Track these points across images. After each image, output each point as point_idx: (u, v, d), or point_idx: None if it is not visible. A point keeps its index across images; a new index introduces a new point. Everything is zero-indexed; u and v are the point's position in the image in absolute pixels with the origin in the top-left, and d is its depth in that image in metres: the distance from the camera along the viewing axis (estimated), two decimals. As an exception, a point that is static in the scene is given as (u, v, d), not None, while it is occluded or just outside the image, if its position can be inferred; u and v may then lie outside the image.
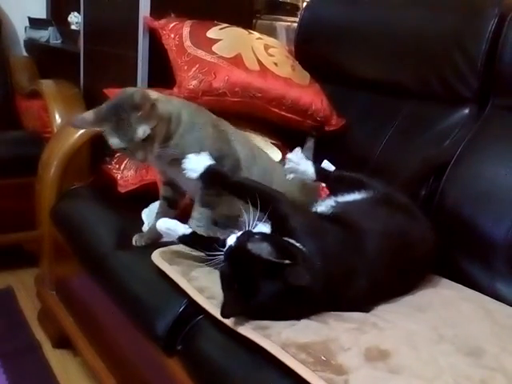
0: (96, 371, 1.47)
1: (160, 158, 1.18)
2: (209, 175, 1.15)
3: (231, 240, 0.96)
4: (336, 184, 1.29)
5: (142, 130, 1.10)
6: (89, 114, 1.14)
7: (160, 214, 1.28)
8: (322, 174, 1.30)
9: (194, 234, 1.13)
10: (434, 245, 1.17)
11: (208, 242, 1.12)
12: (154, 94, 1.16)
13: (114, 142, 1.12)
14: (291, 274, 0.89)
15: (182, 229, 1.13)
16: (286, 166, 1.28)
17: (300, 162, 1.27)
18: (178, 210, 1.31)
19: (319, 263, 0.94)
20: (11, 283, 2.15)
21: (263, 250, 0.91)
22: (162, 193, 1.31)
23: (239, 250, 0.94)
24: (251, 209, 1.02)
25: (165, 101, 1.18)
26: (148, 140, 1.12)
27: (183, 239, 1.13)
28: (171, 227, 1.13)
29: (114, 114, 1.10)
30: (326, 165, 1.45)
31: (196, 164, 1.15)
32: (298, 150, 1.29)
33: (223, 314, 0.92)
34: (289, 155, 1.28)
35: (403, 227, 1.14)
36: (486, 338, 0.96)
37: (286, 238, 0.96)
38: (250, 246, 0.92)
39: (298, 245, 0.95)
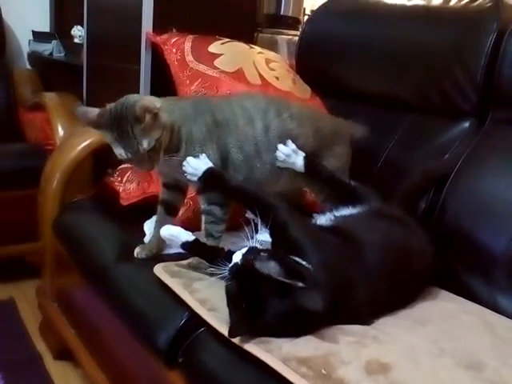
0: (97, 383, 1.47)
1: (165, 164, 1.18)
2: (208, 178, 1.16)
3: (237, 257, 0.95)
4: (326, 187, 1.29)
5: (147, 143, 1.10)
6: (93, 113, 1.13)
7: (158, 222, 1.29)
8: (312, 169, 1.29)
9: (196, 241, 1.14)
10: (432, 257, 1.18)
11: (211, 252, 1.13)
12: (157, 101, 1.14)
13: (119, 152, 1.12)
14: (304, 297, 0.89)
15: (185, 236, 1.13)
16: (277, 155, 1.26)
17: (290, 153, 1.25)
18: (177, 215, 1.32)
19: (322, 278, 0.94)
20: (13, 295, 2.15)
21: (271, 269, 0.90)
22: (161, 197, 1.32)
23: (246, 269, 0.93)
24: (252, 219, 1.03)
25: (168, 110, 1.17)
26: (153, 150, 1.12)
27: (186, 246, 1.14)
28: (174, 234, 1.14)
29: (118, 125, 1.10)
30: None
31: (195, 167, 1.16)
32: (289, 141, 1.27)
33: (231, 334, 0.91)
34: (280, 146, 1.26)
35: (401, 240, 1.15)
36: (486, 351, 0.97)
37: (292, 257, 0.95)
38: (258, 264, 0.91)
39: (304, 263, 0.95)
